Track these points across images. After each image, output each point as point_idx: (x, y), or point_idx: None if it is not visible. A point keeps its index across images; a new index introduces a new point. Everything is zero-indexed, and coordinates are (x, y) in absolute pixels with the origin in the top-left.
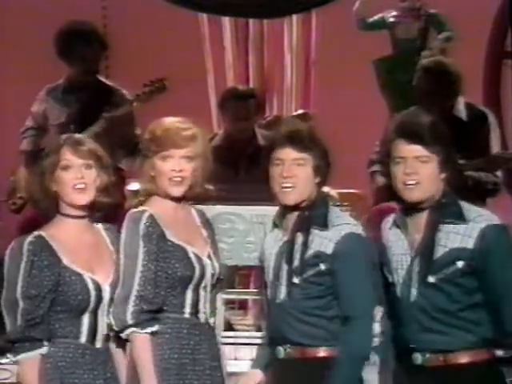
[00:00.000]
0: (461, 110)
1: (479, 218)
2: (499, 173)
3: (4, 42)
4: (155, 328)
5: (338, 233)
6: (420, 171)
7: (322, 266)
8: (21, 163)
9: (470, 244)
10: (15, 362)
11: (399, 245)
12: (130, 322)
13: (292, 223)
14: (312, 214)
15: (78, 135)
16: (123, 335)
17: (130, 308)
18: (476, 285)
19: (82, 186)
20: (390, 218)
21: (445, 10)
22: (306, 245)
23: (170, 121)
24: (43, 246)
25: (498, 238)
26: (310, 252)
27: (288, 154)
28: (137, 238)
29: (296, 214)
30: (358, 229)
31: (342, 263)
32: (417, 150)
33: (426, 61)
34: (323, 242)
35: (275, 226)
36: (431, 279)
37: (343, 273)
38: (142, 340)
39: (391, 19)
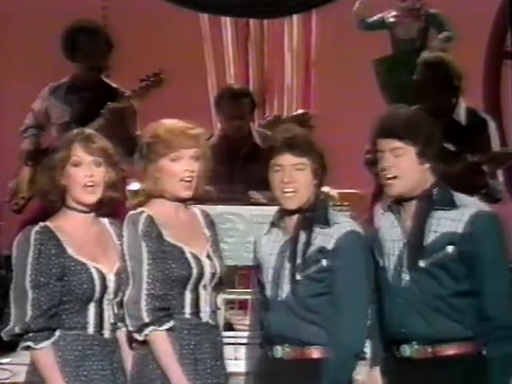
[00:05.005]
0: (461, 114)
1: (470, 205)
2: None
3: (5, 42)
4: (171, 323)
5: (340, 230)
6: (396, 164)
7: (324, 262)
8: (21, 163)
9: (459, 228)
10: (29, 350)
11: (392, 231)
12: (147, 320)
13: (293, 223)
14: (314, 214)
15: (88, 131)
16: (141, 335)
17: (143, 307)
18: (464, 271)
19: (92, 183)
20: (383, 203)
21: (445, 10)
22: (308, 242)
23: (173, 122)
24: (50, 236)
25: (488, 224)
26: (313, 248)
27: (287, 159)
28: (138, 239)
29: (296, 214)
30: (358, 227)
31: (341, 259)
32: (391, 142)
33: (425, 54)
34: (325, 238)
35: (273, 226)
36: (422, 264)
37: (341, 268)
38: (161, 337)
39: (391, 19)
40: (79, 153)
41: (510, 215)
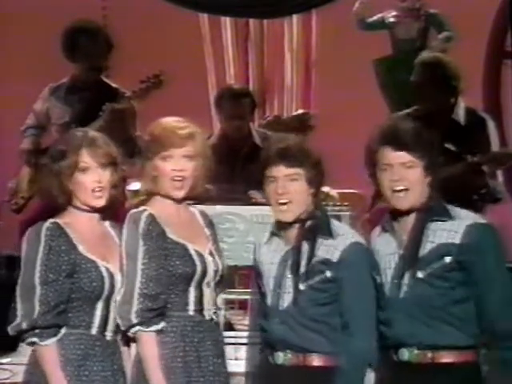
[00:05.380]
0: (460, 114)
1: (465, 217)
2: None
3: (5, 43)
4: (160, 326)
5: (344, 241)
6: (406, 177)
7: (328, 273)
8: (21, 163)
9: (456, 239)
10: (34, 345)
11: (388, 246)
12: (135, 320)
13: (294, 233)
14: (315, 224)
15: (92, 133)
16: (130, 334)
17: (135, 307)
18: (463, 279)
19: (100, 188)
20: (379, 227)
21: (445, 10)
22: (312, 252)
23: (168, 121)
24: (60, 232)
25: (484, 234)
26: (317, 259)
27: (280, 170)
28: (137, 237)
29: (296, 224)
30: (361, 238)
31: (347, 270)
32: (402, 156)
33: (423, 55)
34: (329, 249)
35: (273, 235)
36: (420, 274)
37: (347, 279)
38: (147, 338)
39: (391, 19)
40: (86, 159)
41: (510, 215)
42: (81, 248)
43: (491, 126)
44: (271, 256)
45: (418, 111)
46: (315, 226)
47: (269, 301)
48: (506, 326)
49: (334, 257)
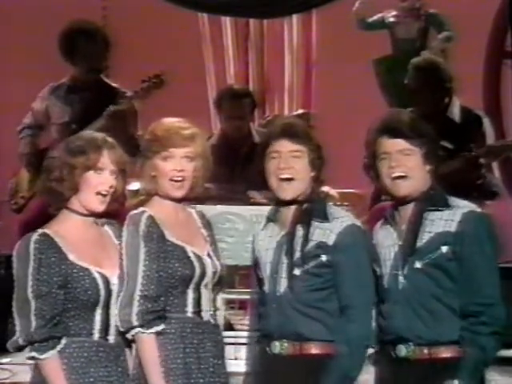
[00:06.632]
0: (455, 112)
1: (462, 205)
2: (497, 173)
3: (5, 43)
4: (160, 327)
5: (340, 224)
6: (404, 164)
7: (324, 257)
8: (21, 164)
9: (452, 228)
10: (35, 360)
11: (388, 237)
12: (136, 322)
13: (290, 217)
14: (311, 208)
15: (110, 139)
16: (129, 336)
17: (135, 308)
18: (459, 271)
19: (106, 193)
20: (381, 220)
21: (445, 10)
22: (307, 236)
23: (170, 121)
24: (49, 244)
25: (478, 224)
26: (312, 243)
27: (284, 146)
28: (137, 239)
29: (293, 208)
30: (358, 221)
31: (344, 254)
32: (399, 143)
33: (415, 59)
34: (325, 233)
35: (269, 221)
36: (418, 264)
37: (344, 263)
38: (147, 340)
39: (391, 19)
40: (106, 160)
41: (508, 211)
42: (72, 257)
43: (487, 123)
44: (267, 242)
45: (413, 112)
46: (311, 210)
47: (266, 287)
48: (487, 316)
49: (330, 240)
